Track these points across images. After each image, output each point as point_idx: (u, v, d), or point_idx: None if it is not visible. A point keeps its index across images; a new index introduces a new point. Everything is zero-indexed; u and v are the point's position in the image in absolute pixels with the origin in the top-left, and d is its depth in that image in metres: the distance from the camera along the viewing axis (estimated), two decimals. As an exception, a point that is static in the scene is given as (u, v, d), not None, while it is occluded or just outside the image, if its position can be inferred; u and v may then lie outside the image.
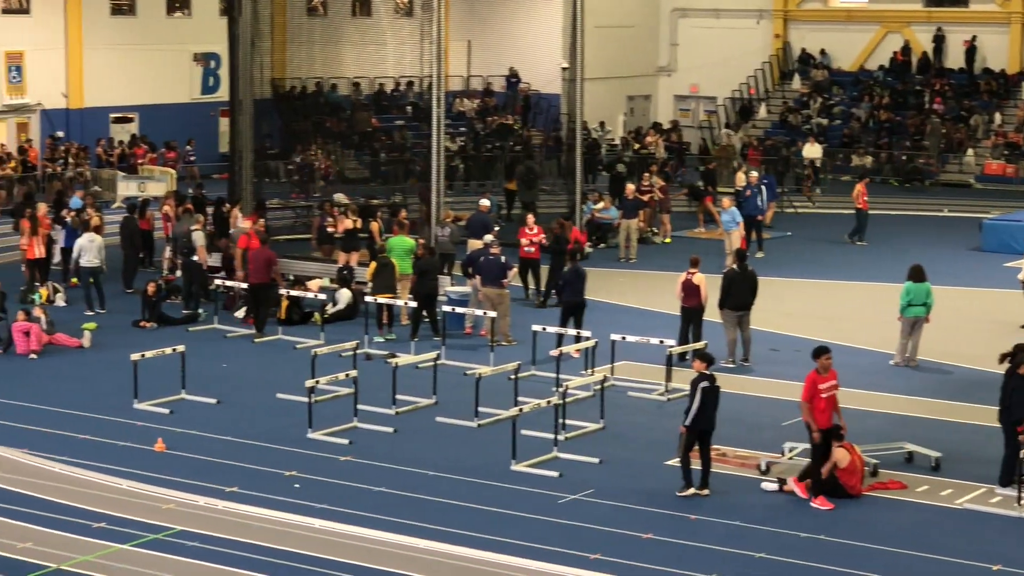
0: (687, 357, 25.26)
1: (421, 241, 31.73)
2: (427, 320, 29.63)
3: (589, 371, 25.68)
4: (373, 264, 31.08)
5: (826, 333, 29.77)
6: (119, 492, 20.49)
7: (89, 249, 32.30)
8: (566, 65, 38.47)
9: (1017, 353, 21.04)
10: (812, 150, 51.15)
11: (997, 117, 54.37)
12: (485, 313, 28.78)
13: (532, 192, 42.34)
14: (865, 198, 40.53)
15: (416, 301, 29.34)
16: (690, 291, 27.24)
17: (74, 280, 33.11)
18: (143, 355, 25.03)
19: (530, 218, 34.04)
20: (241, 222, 34.31)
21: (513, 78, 57.43)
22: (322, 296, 30.67)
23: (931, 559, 17.98)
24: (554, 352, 25.74)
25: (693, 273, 27.20)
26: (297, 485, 20.62)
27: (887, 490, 20.52)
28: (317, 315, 30.51)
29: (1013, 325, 29.92)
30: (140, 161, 49.18)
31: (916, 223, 45.78)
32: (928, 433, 23.09)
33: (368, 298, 30.51)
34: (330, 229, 34.79)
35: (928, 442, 22.31)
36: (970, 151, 52.76)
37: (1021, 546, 18.59)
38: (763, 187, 40.80)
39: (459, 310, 29.90)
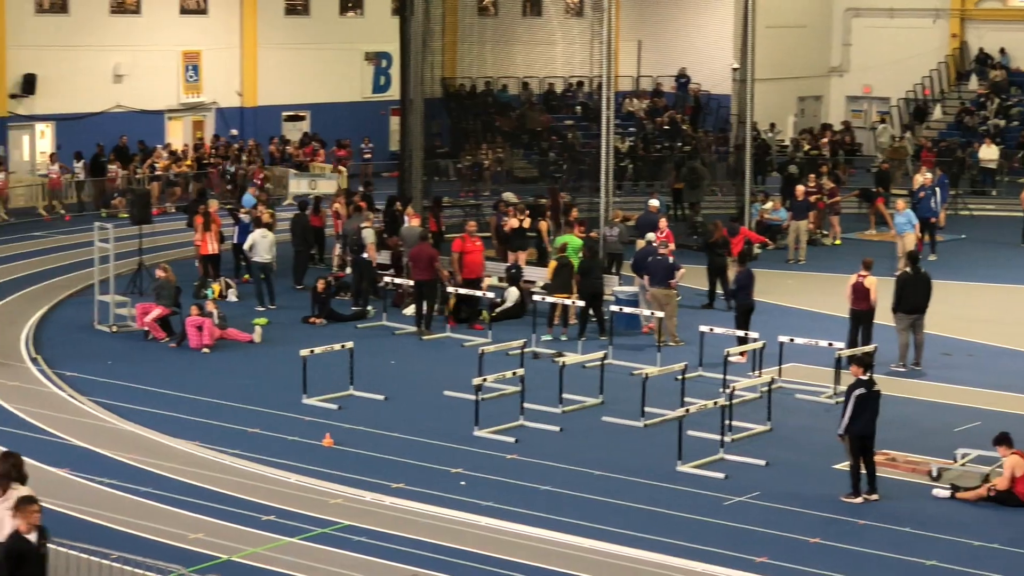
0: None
1: (593, 235, 32.05)
2: (594, 320, 29.67)
3: (756, 373, 25.51)
4: (553, 263, 31.04)
5: (1000, 337, 29.56)
6: (288, 486, 20.77)
7: (261, 245, 32.72)
8: (737, 65, 38.30)
9: None
10: (989, 152, 50.17)
11: None
12: (652, 313, 28.70)
13: (696, 192, 42.37)
14: None
15: (583, 300, 29.48)
16: (860, 294, 26.92)
17: (246, 276, 33.82)
18: (312, 351, 25.29)
19: (663, 222, 34.00)
20: (409, 220, 34.52)
21: (683, 78, 57.33)
22: (491, 294, 30.80)
23: None
24: (734, 356, 25.70)
25: (864, 276, 26.89)
26: (463, 483, 20.71)
27: None
28: (485, 313, 30.61)
29: None
30: (310, 159, 49.74)
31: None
32: None
33: (536, 297, 30.70)
34: (506, 228, 34.92)
35: None
36: None
37: None
38: (937, 189, 40.29)
39: (627, 310, 29.78)
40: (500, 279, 32.53)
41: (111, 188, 44.13)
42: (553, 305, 30.22)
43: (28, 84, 45.23)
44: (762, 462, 21.57)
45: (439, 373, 26.85)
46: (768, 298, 31.73)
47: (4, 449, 17.20)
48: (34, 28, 45.71)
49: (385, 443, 22.65)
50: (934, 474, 20.77)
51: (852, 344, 26.06)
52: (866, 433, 19.86)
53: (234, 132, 50.22)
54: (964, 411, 23.86)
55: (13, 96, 45.26)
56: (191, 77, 50.12)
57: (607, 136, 36.07)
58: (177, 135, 49.24)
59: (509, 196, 38.39)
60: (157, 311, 29.44)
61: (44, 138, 46.37)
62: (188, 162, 47.16)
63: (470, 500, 19.86)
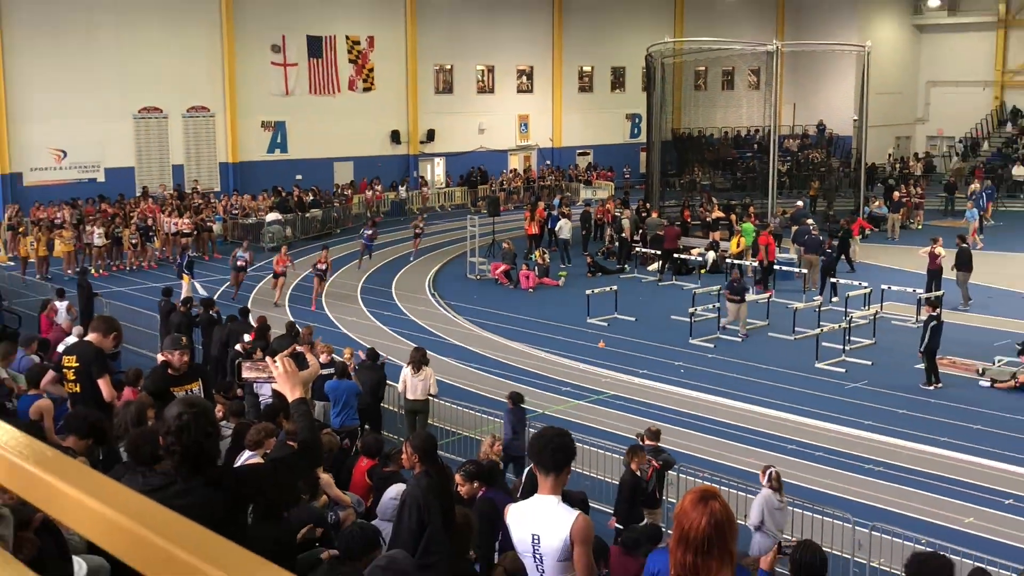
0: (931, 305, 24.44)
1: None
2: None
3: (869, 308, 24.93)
4: (733, 240, 31.44)
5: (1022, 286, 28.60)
6: (575, 368, 21.26)
7: (565, 228, 33.29)
8: (856, 117, 37.62)
9: None
10: (1019, 170, 48.57)
11: None
12: (802, 270, 28.44)
13: (830, 195, 41.63)
14: None
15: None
16: (934, 257, 26.61)
17: (554, 247, 33.31)
18: (592, 291, 25.89)
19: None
20: (652, 215, 34.95)
21: (821, 126, 56.01)
22: (699, 258, 30.64)
23: None
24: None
25: (936, 247, 26.68)
26: (682, 370, 21.08)
27: None
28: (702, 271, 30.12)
29: None
30: (593, 177, 50.08)
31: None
32: None
33: (727, 260, 30.28)
34: (708, 218, 34.82)
35: None
36: None
37: None
38: (984, 194, 39.19)
39: (786, 268, 29.20)
40: (703, 249, 31.86)
41: (476, 196, 44.97)
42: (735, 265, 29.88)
43: (430, 135, 46.30)
44: (869, 362, 21.48)
45: (669, 305, 26.57)
46: (878, 262, 31.58)
47: (415, 345, 18.67)
48: (436, 101, 46.74)
49: (637, 347, 22.74)
50: (980, 372, 20.76)
51: (928, 291, 25.42)
52: (934, 347, 19.93)
53: (548, 162, 50.54)
54: (999, 334, 23.47)
55: (422, 142, 46.29)
56: (523, 129, 50.62)
57: (773, 162, 36.09)
58: (515, 164, 49.86)
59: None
60: (503, 267, 30.09)
61: (439, 167, 47.34)
62: (520, 180, 47.78)
63: (686, 381, 20.27)
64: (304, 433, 4.02)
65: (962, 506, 14.31)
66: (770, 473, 11.62)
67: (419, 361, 15.83)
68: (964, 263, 26.57)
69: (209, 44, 39.42)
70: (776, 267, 29.29)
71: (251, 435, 8.81)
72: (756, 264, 29.41)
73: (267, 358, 4.44)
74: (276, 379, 4.23)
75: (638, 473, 12.16)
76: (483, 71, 48.96)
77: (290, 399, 4.15)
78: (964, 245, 27.08)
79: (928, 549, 9.88)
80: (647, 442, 13.06)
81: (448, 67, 47.46)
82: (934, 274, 26.64)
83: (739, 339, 23.50)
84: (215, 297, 24.61)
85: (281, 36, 41.30)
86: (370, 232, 31.85)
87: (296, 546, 7.58)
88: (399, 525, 7.25)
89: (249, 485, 3.86)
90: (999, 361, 21.13)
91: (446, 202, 45.74)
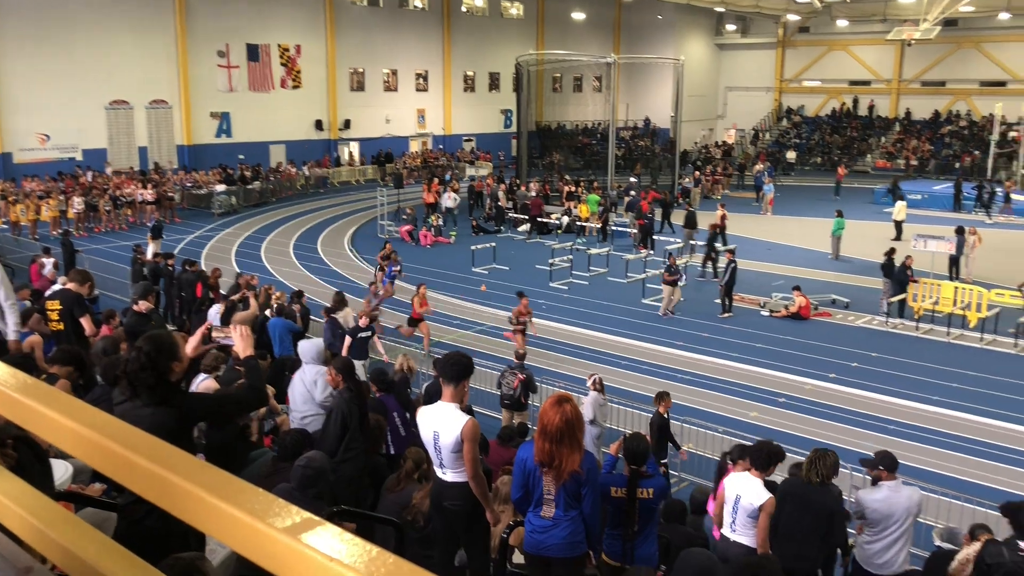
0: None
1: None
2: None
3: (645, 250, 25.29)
4: (582, 206, 31.25)
5: (792, 240, 28.90)
6: (450, 304, 21.26)
7: (447, 199, 32.29)
8: (673, 114, 38.02)
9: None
10: (791, 155, 49.58)
11: (882, 140, 51.97)
12: (633, 223, 28.78)
13: (654, 174, 41.60)
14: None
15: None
16: (721, 219, 26.24)
17: (445, 212, 32.36)
18: (476, 247, 25.86)
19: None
20: (521, 188, 34.74)
21: (647, 121, 56.34)
22: (556, 220, 30.61)
23: (848, 351, 18.04)
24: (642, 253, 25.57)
25: (721, 209, 26.98)
26: (484, 288, 21.29)
27: (825, 317, 20.56)
28: (559, 231, 30.03)
29: (884, 238, 27.68)
30: (476, 159, 49.53)
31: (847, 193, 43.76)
32: (846, 293, 22.61)
33: (579, 223, 30.28)
34: (564, 190, 34.07)
35: (843, 293, 22.10)
36: (869, 156, 50.69)
37: (883, 343, 18.81)
38: (767, 173, 40.01)
39: (620, 229, 29.16)
40: (560, 215, 31.60)
41: (384, 172, 43.92)
42: (582, 227, 30.21)
43: (347, 123, 45.38)
44: (682, 299, 20.70)
45: (534, 257, 26.50)
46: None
47: (336, 290, 18.21)
48: (351, 96, 45.71)
49: (510, 290, 22.39)
50: (761, 305, 21.14)
51: (712, 244, 24.43)
52: (731, 284, 20.07)
53: (440, 147, 49.89)
54: (775, 276, 23.82)
55: (341, 129, 45.36)
56: (420, 120, 49.93)
57: (611, 148, 36.31)
58: (415, 147, 49.14)
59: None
60: (407, 228, 29.72)
61: (355, 149, 46.20)
62: (419, 161, 47.22)
63: (547, 315, 19.77)
64: (253, 382, 4.08)
65: (743, 403, 14.81)
66: (595, 380, 11.88)
67: (339, 303, 15.60)
68: (690, 222, 27.10)
69: (167, 50, 38.21)
70: (612, 228, 29.58)
71: (207, 360, 8.59)
72: (599, 226, 29.52)
73: (230, 327, 4.56)
74: (235, 341, 4.32)
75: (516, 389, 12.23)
76: (388, 73, 48.07)
77: (242, 356, 4.19)
78: (691, 209, 28.06)
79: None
80: (516, 361, 13.17)
81: (361, 70, 46.56)
82: (720, 231, 26.67)
83: (659, 314, 20.60)
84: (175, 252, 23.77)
85: (226, 44, 40.20)
86: (396, 268, 21.87)
87: (249, 445, 7.56)
88: (326, 429, 7.25)
89: (196, 408, 3.88)
90: (775, 297, 21.58)
91: (360, 177, 44.96)
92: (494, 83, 53.64)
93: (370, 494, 7.06)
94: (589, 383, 11.81)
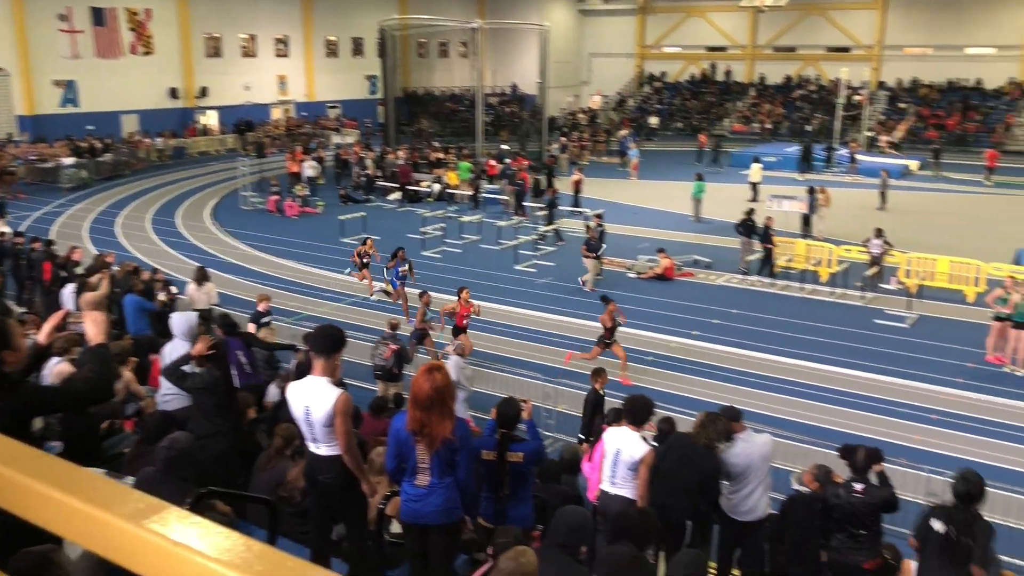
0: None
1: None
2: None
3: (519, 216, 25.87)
4: (451, 173, 31.41)
5: (659, 204, 29.73)
6: (326, 279, 21.06)
7: (307, 168, 31.53)
8: (539, 80, 38.18)
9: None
10: (653, 120, 50.54)
11: (738, 104, 53.75)
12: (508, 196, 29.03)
13: (524, 140, 41.11)
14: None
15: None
16: (576, 183, 27.14)
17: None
18: (345, 217, 25.31)
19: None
20: (390, 155, 34.29)
21: (514, 87, 56.51)
22: (427, 188, 30.49)
23: (710, 309, 18.86)
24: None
25: (578, 173, 27.35)
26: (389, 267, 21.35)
27: (688, 276, 21.14)
28: (430, 199, 29.90)
29: (741, 200, 28.61)
30: (342, 126, 48.70)
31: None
32: (707, 253, 23.09)
33: (448, 191, 30.19)
34: (432, 157, 34.48)
35: (704, 253, 22.73)
36: (726, 120, 52.27)
37: (742, 300, 19.52)
38: (630, 138, 40.77)
39: (493, 197, 29.32)
40: (428, 184, 31.47)
41: (245, 141, 42.71)
42: (452, 194, 29.95)
43: (203, 91, 43.86)
44: (553, 264, 21.48)
45: (406, 226, 25.83)
46: (565, 191, 32.20)
47: (198, 264, 17.39)
48: (208, 63, 44.15)
49: (383, 260, 21.63)
50: (628, 267, 21.45)
51: (574, 206, 25.26)
52: (597, 248, 20.06)
53: (304, 114, 48.88)
54: (641, 239, 24.21)
55: (197, 97, 43.78)
56: (282, 87, 48.78)
57: (479, 115, 36.27)
58: (276, 115, 47.98)
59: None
60: (274, 199, 29.16)
61: (211, 118, 44.67)
62: (282, 129, 46.05)
63: (420, 284, 20.06)
64: (101, 372, 3.79)
65: (614, 363, 15.15)
66: (457, 345, 12.08)
67: (201, 278, 15.07)
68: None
69: (1, 12, 35.49)
70: (482, 196, 29.60)
71: (58, 343, 8.12)
72: (471, 194, 29.50)
73: (85, 313, 4.21)
74: (86, 328, 4.02)
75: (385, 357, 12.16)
76: (246, 39, 46.43)
77: (93, 344, 3.92)
78: (519, 183, 28.23)
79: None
80: (388, 331, 13.08)
81: (217, 35, 44.77)
82: (577, 195, 27.70)
83: (581, 285, 20.06)
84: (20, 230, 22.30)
85: (67, 7, 37.77)
86: (403, 268, 18.76)
87: (100, 434, 7.24)
88: (194, 408, 7.04)
89: (31, 403, 3.58)
90: (641, 259, 21.96)
91: (220, 147, 43.27)
92: (358, 48, 52.58)
93: (243, 473, 6.91)
94: (451, 349, 11.94)
